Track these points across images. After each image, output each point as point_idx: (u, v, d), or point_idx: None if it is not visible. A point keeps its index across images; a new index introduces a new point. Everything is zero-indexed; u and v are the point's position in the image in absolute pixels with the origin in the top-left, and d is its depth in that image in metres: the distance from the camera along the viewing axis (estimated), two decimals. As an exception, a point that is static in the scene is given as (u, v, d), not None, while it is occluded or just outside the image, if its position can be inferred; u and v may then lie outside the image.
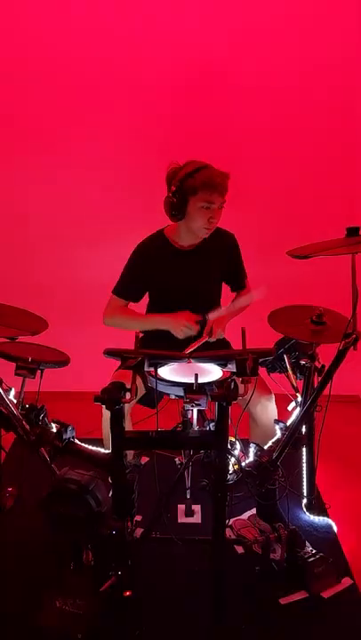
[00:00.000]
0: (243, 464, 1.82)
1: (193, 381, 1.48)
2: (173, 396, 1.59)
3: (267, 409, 2.02)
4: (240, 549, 1.92)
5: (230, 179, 1.93)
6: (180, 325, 1.93)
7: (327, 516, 2.14)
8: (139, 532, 1.84)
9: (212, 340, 1.95)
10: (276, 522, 1.86)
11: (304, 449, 2.05)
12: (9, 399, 1.79)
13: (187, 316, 1.95)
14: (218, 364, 1.63)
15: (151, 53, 2.68)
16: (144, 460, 2.33)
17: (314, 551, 1.84)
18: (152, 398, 1.99)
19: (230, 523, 1.95)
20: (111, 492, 1.61)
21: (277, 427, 1.98)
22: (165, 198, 1.95)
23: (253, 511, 2.07)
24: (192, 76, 2.69)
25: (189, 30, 2.66)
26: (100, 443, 1.99)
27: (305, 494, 2.15)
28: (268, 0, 2.64)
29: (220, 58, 2.69)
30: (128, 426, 2.11)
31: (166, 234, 2.08)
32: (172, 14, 2.65)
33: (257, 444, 1.90)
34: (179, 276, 2.06)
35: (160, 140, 2.69)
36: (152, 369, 1.56)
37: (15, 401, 1.85)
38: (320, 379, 1.77)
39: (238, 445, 1.79)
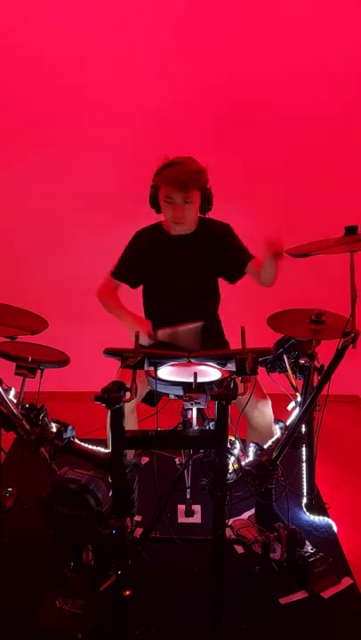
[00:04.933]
0: (242, 463, 1.82)
1: (192, 380, 1.48)
2: (173, 396, 1.59)
3: (263, 414, 2.03)
4: (240, 549, 1.92)
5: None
6: (143, 331, 1.90)
7: (327, 515, 2.14)
8: (139, 531, 1.83)
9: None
10: (274, 523, 1.86)
11: (304, 449, 2.05)
12: (9, 399, 1.79)
13: (146, 326, 1.94)
14: (217, 364, 1.63)
15: (152, 50, 2.68)
16: (144, 460, 2.33)
17: (314, 550, 1.84)
18: (153, 396, 1.99)
19: (230, 523, 1.95)
20: (111, 492, 1.61)
21: (277, 426, 1.98)
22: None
23: (253, 511, 2.06)
24: (193, 73, 2.70)
25: (190, 28, 2.67)
26: (100, 443, 1.98)
27: (305, 494, 2.15)
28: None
29: (221, 57, 2.70)
30: (134, 423, 2.12)
31: (163, 224, 2.17)
32: (172, 15, 2.65)
33: (257, 444, 1.90)
34: (171, 262, 2.11)
35: (160, 139, 2.69)
36: (152, 369, 1.56)
37: (15, 401, 1.84)
38: (320, 378, 1.77)
39: (238, 444, 1.79)
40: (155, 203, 2.09)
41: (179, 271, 2.11)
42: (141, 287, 2.23)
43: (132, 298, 2.21)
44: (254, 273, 2.09)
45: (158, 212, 2.10)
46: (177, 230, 2.09)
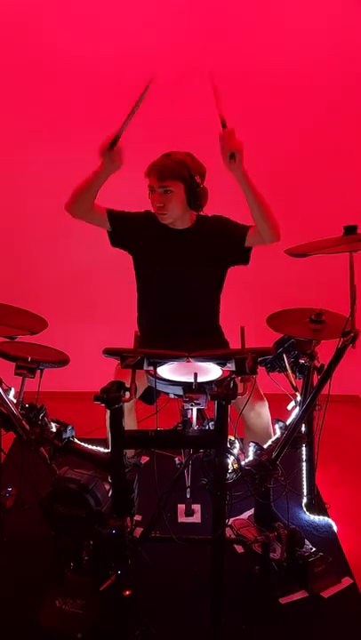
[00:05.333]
0: (242, 463, 1.82)
1: (192, 380, 1.48)
2: (173, 395, 1.59)
3: (260, 415, 2.02)
4: (240, 549, 1.92)
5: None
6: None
7: (327, 515, 2.14)
8: (139, 531, 1.83)
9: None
10: (274, 523, 1.85)
11: (304, 448, 2.04)
12: (9, 399, 1.79)
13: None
14: (217, 363, 1.63)
15: (153, 52, 2.68)
16: (144, 459, 2.33)
17: (314, 550, 1.84)
18: (151, 395, 1.99)
19: (230, 522, 1.95)
20: (111, 492, 1.61)
21: (277, 426, 1.98)
22: None
23: (253, 511, 2.06)
24: (193, 73, 2.69)
25: (190, 28, 2.67)
26: (99, 442, 1.98)
27: (305, 494, 2.15)
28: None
29: (220, 57, 2.69)
30: (133, 423, 2.11)
31: None
32: (171, 17, 2.65)
33: (257, 444, 1.90)
34: (169, 253, 2.08)
35: (159, 139, 2.69)
36: (151, 368, 1.56)
37: (15, 401, 1.85)
38: (319, 378, 1.77)
39: (238, 444, 1.79)
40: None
41: (176, 265, 2.08)
42: (137, 282, 2.19)
43: (130, 293, 2.22)
44: (257, 238, 2.03)
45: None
46: (163, 220, 2.05)
